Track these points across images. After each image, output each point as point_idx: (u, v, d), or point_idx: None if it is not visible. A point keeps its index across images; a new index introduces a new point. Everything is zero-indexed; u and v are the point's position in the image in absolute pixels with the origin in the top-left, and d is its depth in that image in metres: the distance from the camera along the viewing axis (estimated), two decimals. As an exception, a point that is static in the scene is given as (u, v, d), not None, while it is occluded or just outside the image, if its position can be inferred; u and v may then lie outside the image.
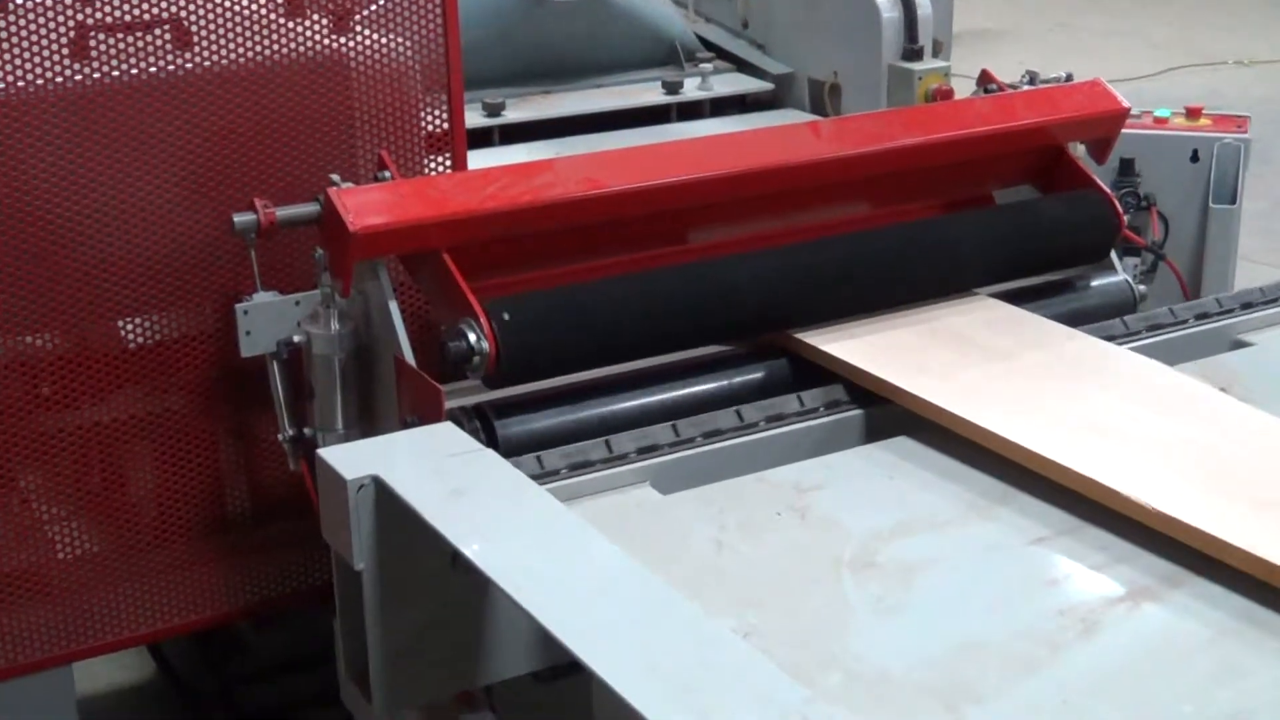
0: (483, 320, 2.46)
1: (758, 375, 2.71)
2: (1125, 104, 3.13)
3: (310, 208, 2.58)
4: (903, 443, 2.48)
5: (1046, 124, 3.07)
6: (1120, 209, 3.04)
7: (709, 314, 2.68)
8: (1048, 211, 3.01)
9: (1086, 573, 2.10)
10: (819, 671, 1.86)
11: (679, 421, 2.49)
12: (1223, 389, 2.55)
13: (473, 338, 2.46)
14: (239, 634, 3.49)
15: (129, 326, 2.76)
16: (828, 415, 2.58)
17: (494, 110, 3.74)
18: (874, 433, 2.57)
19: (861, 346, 2.68)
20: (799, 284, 2.74)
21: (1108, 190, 3.06)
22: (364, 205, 2.51)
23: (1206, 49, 10.57)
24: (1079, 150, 3.19)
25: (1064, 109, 3.10)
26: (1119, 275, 3.07)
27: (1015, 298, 2.94)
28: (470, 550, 1.93)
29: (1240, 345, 2.87)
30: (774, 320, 2.75)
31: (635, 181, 2.70)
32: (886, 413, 2.57)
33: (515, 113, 3.79)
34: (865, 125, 3.10)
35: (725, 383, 2.70)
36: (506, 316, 2.48)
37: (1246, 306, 2.93)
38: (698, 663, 1.70)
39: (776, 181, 2.83)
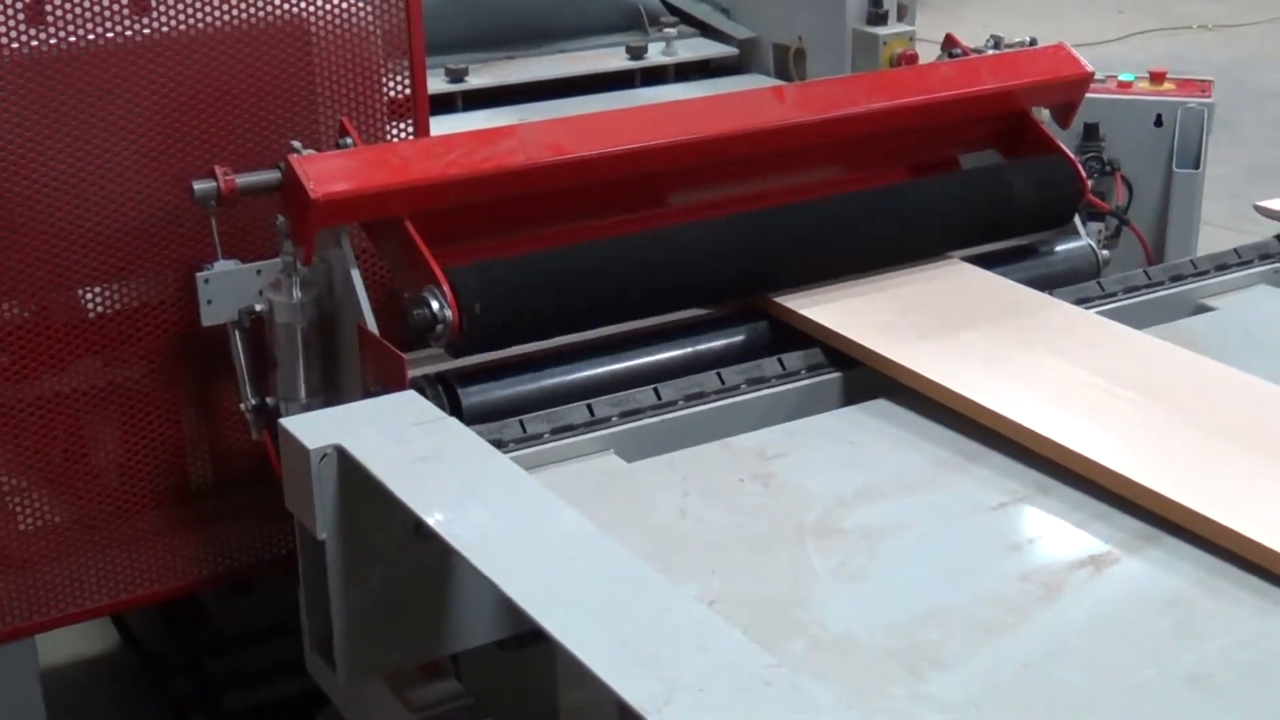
0: (445, 287, 2.44)
1: (729, 340, 2.69)
2: (1089, 69, 3.13)
3: (271, 174, 2.55)
4: (875, 406, 2.49)
5: (1010, 89, 3.06)
6: (1083, 174, 3.04)
7: (675, 279, 2.66)
8: (1010, 178, 3.01)
9: (1049, 537, 2.11)
10: (783, 638, 1.87)
11: (658, 385, 2.49)
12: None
13: (435, 305, 2.44)
14: (204, 604, 3.48)
15: (89, 296, 2.73)
16: (806, 378, 2.59)
17: (457, 75, 3.72)
18: (853, 395, 2.57)
19: (837, 310, 2.68)
20: (764, 250, 2.73)
21: (1071, 155, 3.05)
22: (325, 172, 2.49)
23: (1171, 13, 10.58)
24: (1044, 115, 3.19)
25: (1027, 74, 3.10)
26: (1082, 240, 3.07)
27: (979, 262, 2.94)
28: (433, 519, 1.92)
29: (1203, 310, 2.88)
30: (742, 285, 2.74)
31: (599, 148, 2.68)
32: (865, 375, 2.57)
33: (478, 78, 3.77)
34: (830, 90, 3.09)
35: (692, 349, 2.69)
36: (470, 283, 2.46)
37: (1189, 276, 2.94)
38: (662, 630, 1.70)
39: (743, 147, 2.82)
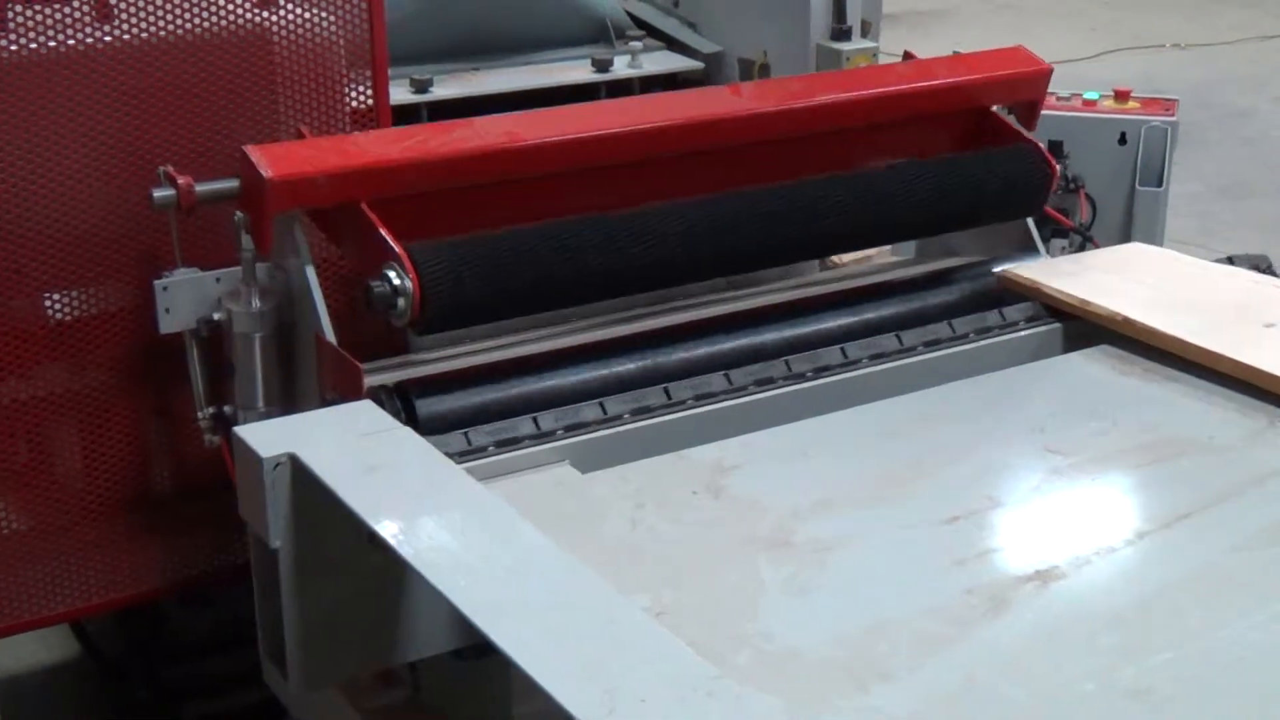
0: (405, 261, 2.41)
1: (681, 355, 2.70)
2: (1047, 64, 3.11)
3: (231, 183, 2.55)
4: (822, 421, 2.51)
5: (969, 83, 3.05)
6: (1052, 160, 3.00)
7: (643, 257, 2.64)
8: (979, 164, 2.98)
9: (997, 552, 2.12)
10: (729, 650, 1.87)
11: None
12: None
13: (395, 278, 2.39)
14: (163, 612, 3.47)
15: (50, 302, 2.73)
16: (1028, 328, 2.84)
17: (422, 87, 3.72)
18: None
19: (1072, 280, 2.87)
20: (729, 231, 2.71)
21: (1038, 143, 3.03)
22: (281, 157, 2.50)
23: (1145, 32, 10.65)
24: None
25: (984, 70, 3.09)
26: (1041, 256, 3.08)
27: (938, 280, 2.96)
28: (382, 528, 1.93)
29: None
30: (707, 265, 2.73)
31: (556, 134, 2.68)
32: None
33: (443, 89, 3.77)
34: (788, 85, 3.10)
35: (651, 362, 2.69)
36: (430, 255, 2.42)
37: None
38: (607, 641, 1.71)
39: (699, 137, 2.80)
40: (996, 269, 2.96)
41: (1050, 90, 4.10)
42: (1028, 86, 3.12)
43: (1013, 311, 2.87)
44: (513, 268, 2.52)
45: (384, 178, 2.54)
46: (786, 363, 2.68)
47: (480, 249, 2.51)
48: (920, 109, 3.05)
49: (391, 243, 2.43)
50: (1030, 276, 2.89)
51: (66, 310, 2.74)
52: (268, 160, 2.47)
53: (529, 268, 2.53)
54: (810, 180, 2.85)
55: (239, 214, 2.52)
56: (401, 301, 2.40)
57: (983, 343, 2.81)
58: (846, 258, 4.37)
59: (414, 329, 2.47)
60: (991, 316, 2.85)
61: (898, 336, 2.77)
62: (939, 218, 2.96)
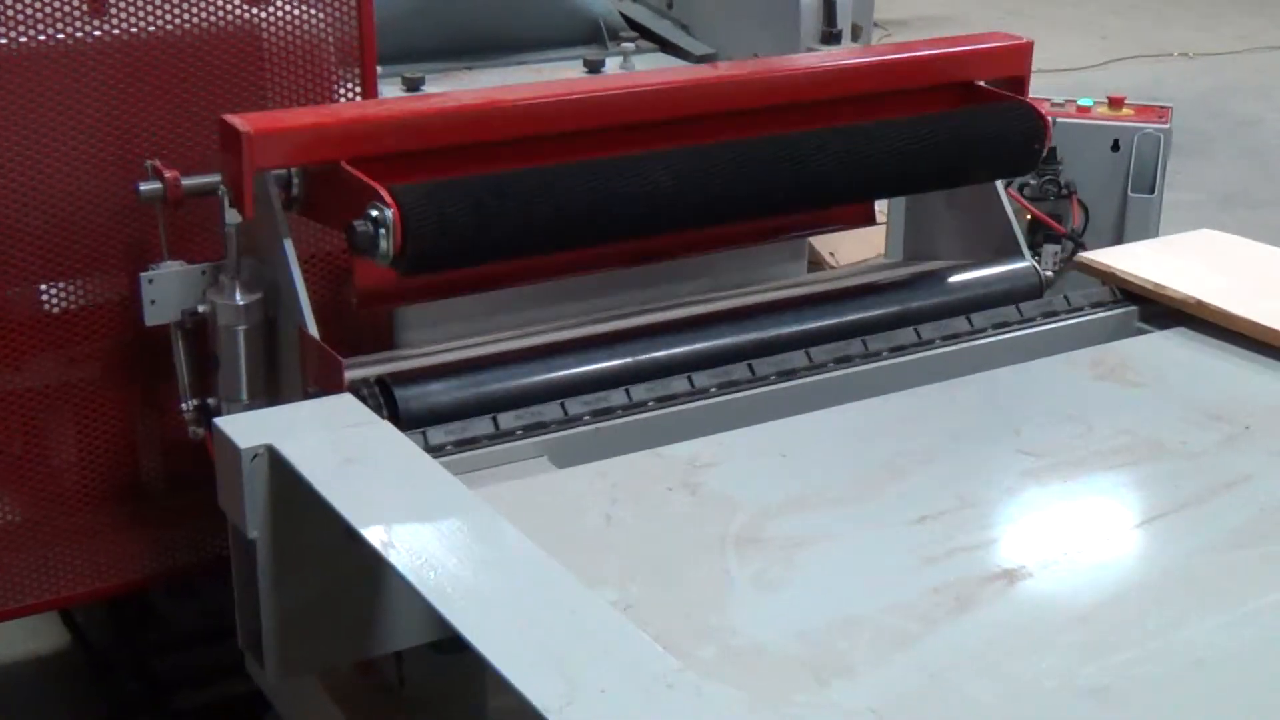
0: (386, 196, 2.38)
1: (655, 354, 2.71)
2: (1027, 39, 3.12)
3: (217, 177, 2.58)
4: (800, 420, 2.53)
5: (952, 55, 3.08)
6: (1046, 118, 3.00)
7: (626, 201, 2.62)
8: (971, 117, 2.99)
9: (966, 550, 2.14)
10: (694, 644, 1.89)
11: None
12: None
13: (375, 213, 2.37)
14: (152, 603, 3.50)
15: (39, 293, 2.76)
16: (1104, 311, 2.95)
17: (413, 85, 3.72)
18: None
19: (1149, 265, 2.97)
20: (717, 178, 2.70)
21: (1031, 103, 3.03)
22: (259, 118, 2.52)
23: (1153, 40, 10.65)
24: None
25: (966, 44, 3.13)
26: (1025, 260, 3.10)
27: (922, 279, 2.98)
28: (358, 521, 1.95)
29: (1143, 331, 2.93)
30: (690, 215, 2.72)
31: (537, 97, 2.71)
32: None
33: (435, 88, 3.78)
34: (775, 62, 3.16)
35: (633, 359, 2.71)
36: (412, 191, 2.41)
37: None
38: (570, 633, 1.73)
39: (685, 103, 2.81)
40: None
41: (1045, 96, 4.14)
42: (1010, 59, 3.12)
43: (1077, 297, 2.99)
44: (497, 204, 2.49)
45: (363, 135, 2.53)
46: (864, 342, 2.77)
47: (464, 187, 2.50)
48: (905, 81, 3.06)
49: (374, 185, 2.40)
50: (1106, 261, 3.01)
51: (54, 302, 2.76)
52: (248, 121, 2.48)
53: (514, 205, 2.51)
54: (801, 132, 2.84)
55: (222, 187, 2.53)
56: (384, 237, 2.37)
57: (1059, 324, 2.92)
58: (842, 260, 4.39)
59: (398, 268, 2.43)
60: (1058, 301, 2.97)
61: (968, 319, 2.87)
62: (932, 169, 2.94)
